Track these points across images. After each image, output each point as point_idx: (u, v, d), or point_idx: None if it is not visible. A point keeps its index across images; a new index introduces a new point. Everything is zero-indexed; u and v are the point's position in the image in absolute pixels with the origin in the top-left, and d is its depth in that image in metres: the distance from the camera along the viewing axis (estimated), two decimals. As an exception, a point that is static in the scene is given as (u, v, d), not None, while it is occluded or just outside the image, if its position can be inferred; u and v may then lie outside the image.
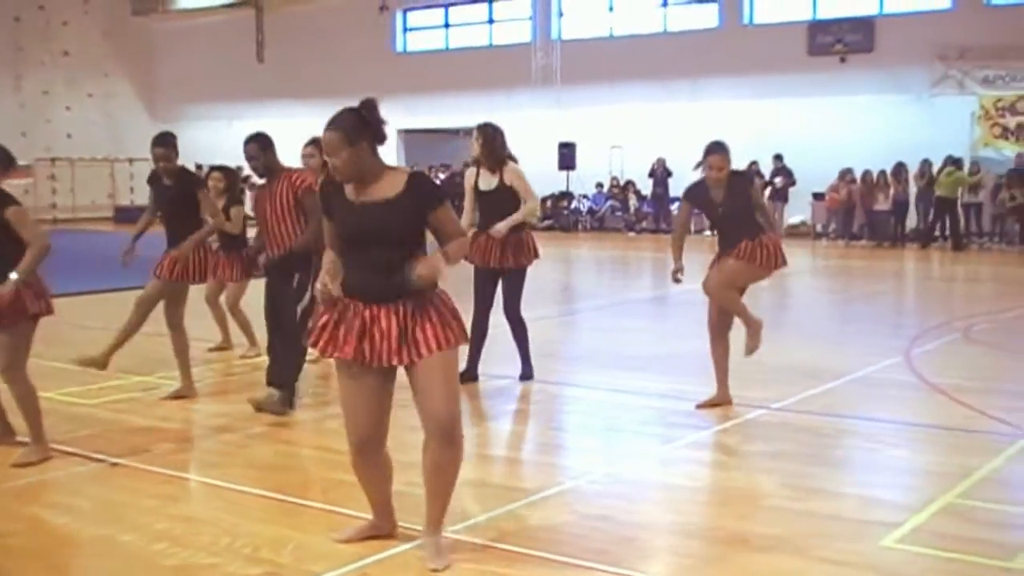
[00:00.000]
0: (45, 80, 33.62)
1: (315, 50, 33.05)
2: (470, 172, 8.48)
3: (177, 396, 7.98)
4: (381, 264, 4.46)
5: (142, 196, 33.94)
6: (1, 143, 6.44)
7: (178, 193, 7.86)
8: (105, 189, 35.98)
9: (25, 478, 6.04)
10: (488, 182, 8.28)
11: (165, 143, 7.89)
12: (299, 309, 7.34)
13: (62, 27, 33.70)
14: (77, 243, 22.86)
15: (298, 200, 7.33)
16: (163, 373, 8.61)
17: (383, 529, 4.95)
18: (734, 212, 7.40)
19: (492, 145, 8.23)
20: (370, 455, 4.74)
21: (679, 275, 7.58)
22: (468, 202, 8.39)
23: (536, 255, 8.49)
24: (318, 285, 4.61)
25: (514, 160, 8.35)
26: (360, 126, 4.47)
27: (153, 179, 8.06)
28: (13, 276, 6.01)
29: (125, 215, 34.12)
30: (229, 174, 9.45)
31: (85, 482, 6.02)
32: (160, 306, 7.89)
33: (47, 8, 33.50)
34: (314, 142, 8.30)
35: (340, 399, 4.76)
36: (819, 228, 25.20)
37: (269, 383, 7.56)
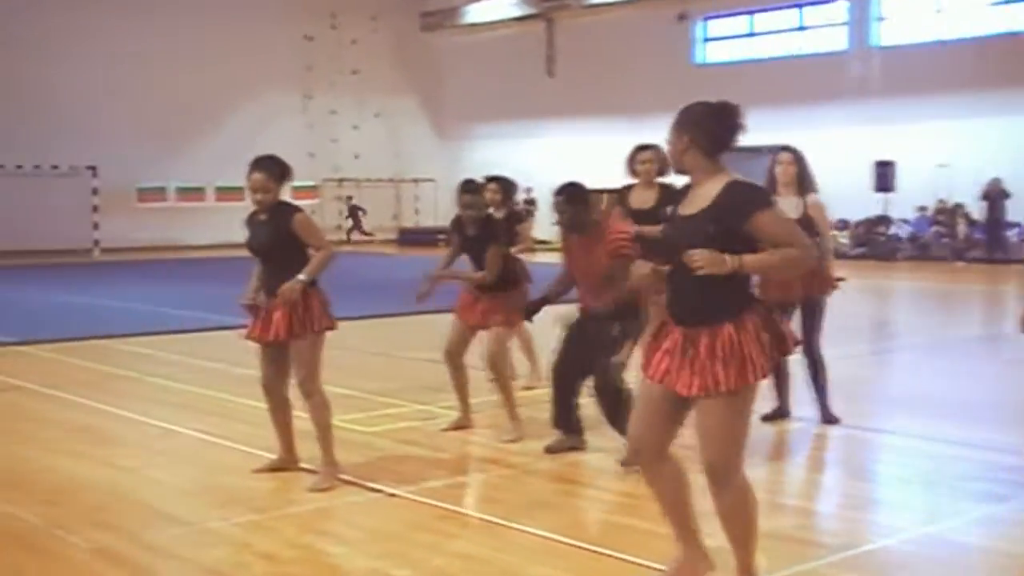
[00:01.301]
0: (333, 99, 35.40)
1: (608, 63, 33.48)
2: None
3: (456, 427, 8.26)
4: (688, 282, 4.46)
5: (426, 218, 35.39)
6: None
7: (483, 243, 8.12)
8: (390, 210, 37.57)
9: (303, 505, 6.38)
10: (792, 210, 8.14)
11: (473, 190, 8.23)
12: (614, 362, 7.19)
13: (351, 45, 35.37)
14: (361, 266, 23.98)
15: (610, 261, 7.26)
16: (442, 402, 8.90)
17: (693, 569, 4.81)
18: None
19: (807, 170, 8.24)
20: (648, 464, 4.73)
21: None
22: None
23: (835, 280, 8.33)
24: None
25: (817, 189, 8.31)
26: (699, 122, 4.58)
27: (455, 226, 8.39)
28: (301, 277, 6.53)
29: (409, 237, 35.57)
30: (505, 184, 9.64)
31: (361, 512, 6.31)
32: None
33: (338, 27, 35.29)
34: (646, 148, 8.31)
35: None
36: None
37: (556, 427, 7.57)
